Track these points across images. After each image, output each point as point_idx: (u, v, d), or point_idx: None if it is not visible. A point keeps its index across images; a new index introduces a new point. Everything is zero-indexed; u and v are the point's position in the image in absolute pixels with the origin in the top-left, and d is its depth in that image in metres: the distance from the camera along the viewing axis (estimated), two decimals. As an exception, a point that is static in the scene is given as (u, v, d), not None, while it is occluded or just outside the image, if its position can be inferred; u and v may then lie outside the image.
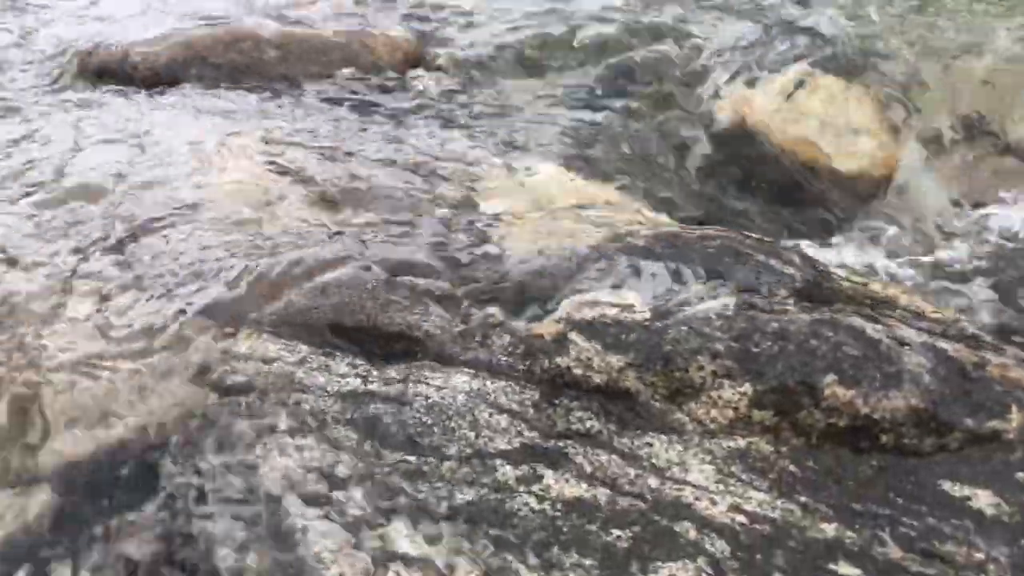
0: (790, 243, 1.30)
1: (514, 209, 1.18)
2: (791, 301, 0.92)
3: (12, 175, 1.28)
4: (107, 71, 1.78)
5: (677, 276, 0.96)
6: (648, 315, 0.89)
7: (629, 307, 0.91)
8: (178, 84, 1.74)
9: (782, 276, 0.97)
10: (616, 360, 0.84)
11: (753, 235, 1.05)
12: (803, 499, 0.76)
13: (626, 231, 1.06)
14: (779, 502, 0.75)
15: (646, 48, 1.93)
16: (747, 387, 0.83)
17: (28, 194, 1.22)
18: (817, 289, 0.98)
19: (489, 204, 1.21)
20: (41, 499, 0.77)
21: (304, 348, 0.88)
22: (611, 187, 1.37)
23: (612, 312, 0.89)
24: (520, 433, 0.82)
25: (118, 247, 1.07)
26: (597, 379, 0.84)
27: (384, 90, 1.76)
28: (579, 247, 1.04)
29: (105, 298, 0.97)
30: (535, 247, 1.05)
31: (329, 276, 0.95)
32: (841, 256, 1.35)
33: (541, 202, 1.23)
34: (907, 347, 0.85)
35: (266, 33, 1.84)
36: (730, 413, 0.83)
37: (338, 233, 1.07)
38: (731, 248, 0.98)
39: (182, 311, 0.92)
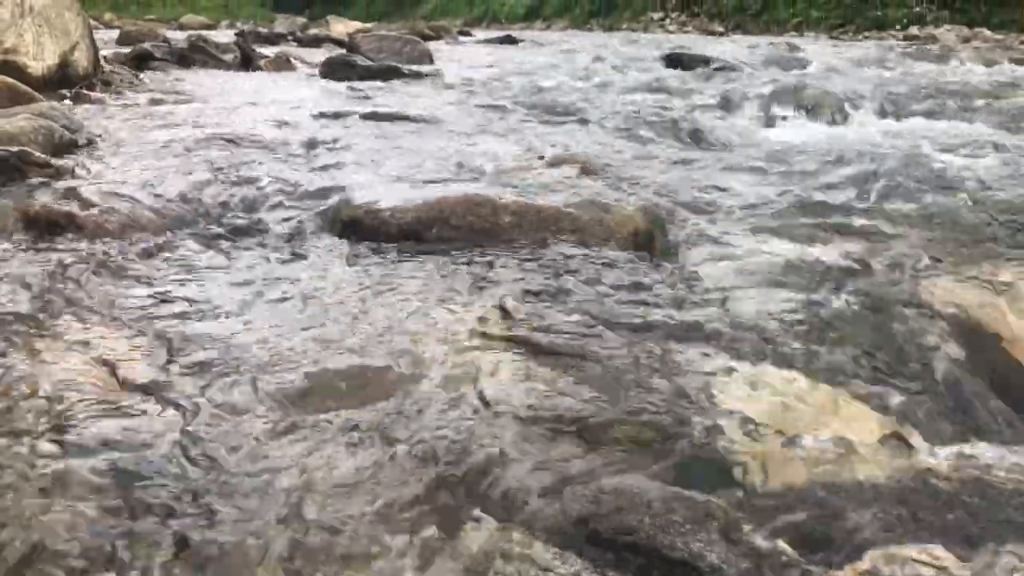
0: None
1: (762, 425, 1.11)
2: None
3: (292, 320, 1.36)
4: (356, 226, 1.92)
5: (992, 531, 0.85)
6: (971, 581, 0.78)
7: (943, 567, 0.80)
8: (420, 241, 1.84)
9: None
10: (939, 634, 0.74)
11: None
12: None
13: (915, 467, 0.96)
14: None
15: (869, 241, 1.86)
16: None
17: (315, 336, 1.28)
18: None
19: (733, 413, 1.14)
20: None
21: (577, 560, 0.84)
22: (858, 400, 1.27)
23: (927, 571, 0.79)
24: None
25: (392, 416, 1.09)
26: (916, 654, 0.74)
27: (612, 266, 1.78)
28: (858, 482, 0.95)
29: (375, 473, 0.97)
30: (804, 475, 0.97)
31: (604, 483, 0.91)
32: None
33: (785, 415, 1.15)
34: None
35: (503, 200, 1.94)
36: None
37: (595, 435, 1.04)
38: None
39: (476, 494, 0.91)
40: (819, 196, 2.28)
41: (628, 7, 27.92)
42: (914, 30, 16.78)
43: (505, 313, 1.46)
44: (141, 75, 5.15)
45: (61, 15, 4.44)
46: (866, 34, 17.94)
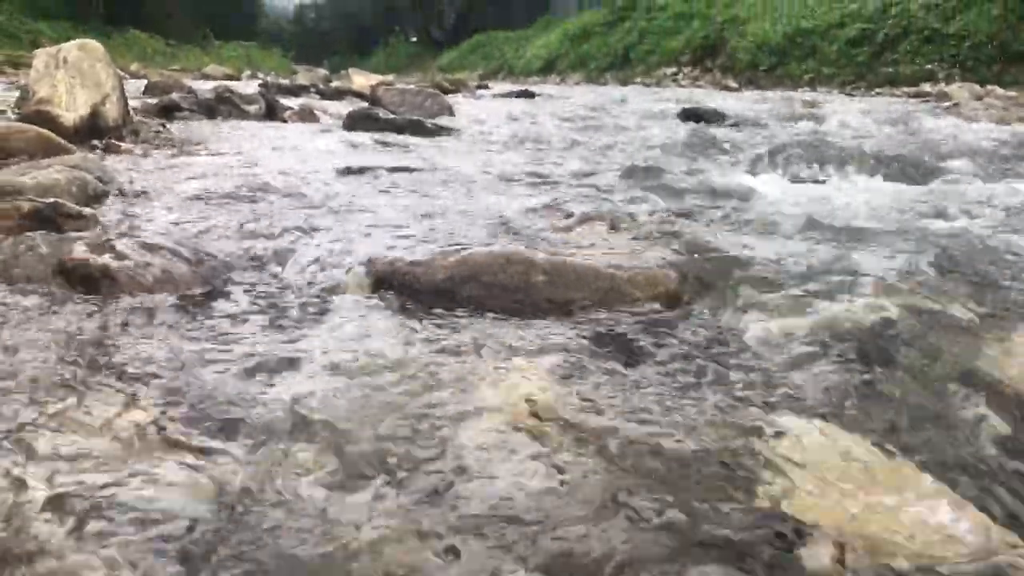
0: None
1: (816, 492, 1.08)
2: None
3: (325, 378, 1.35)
4: (388, 283, 1.92)
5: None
6: None
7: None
8: (453, 299, 1.84)
9: None
10: None
11: None
12: None
13: (982, 539, 0.93)
14: None
15: (905, 299, 1.84)
16: None
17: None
18: None
19: (786, 480, 1.11)
20: None
21: (634, 644, 0.81)
22: (914, 468, 1.24)
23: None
24: None
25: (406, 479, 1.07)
26: None
27: (646, 325, 1.76)
28: (921, 554, 0.92)
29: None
30: (864, 545, 0.94)
31: (655, 564, 0.88)
32: None
33: (838, 482, 1.12)
34: None
35: (535, 258, 1.94)
36: None
37: (626, 508, 1.01)
38: None
39: None
40: (849, 255, 2.26)
41: (642, 62, 28.39)
42: (926, 87, 16.94)
43: (541, 383, 1.44)
44: (169, 125, 5.25)
45: (93, 67, 4.55)
46: (878, 90, 18.11)
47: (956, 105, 9.33)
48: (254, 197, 2.93)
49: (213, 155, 4.07)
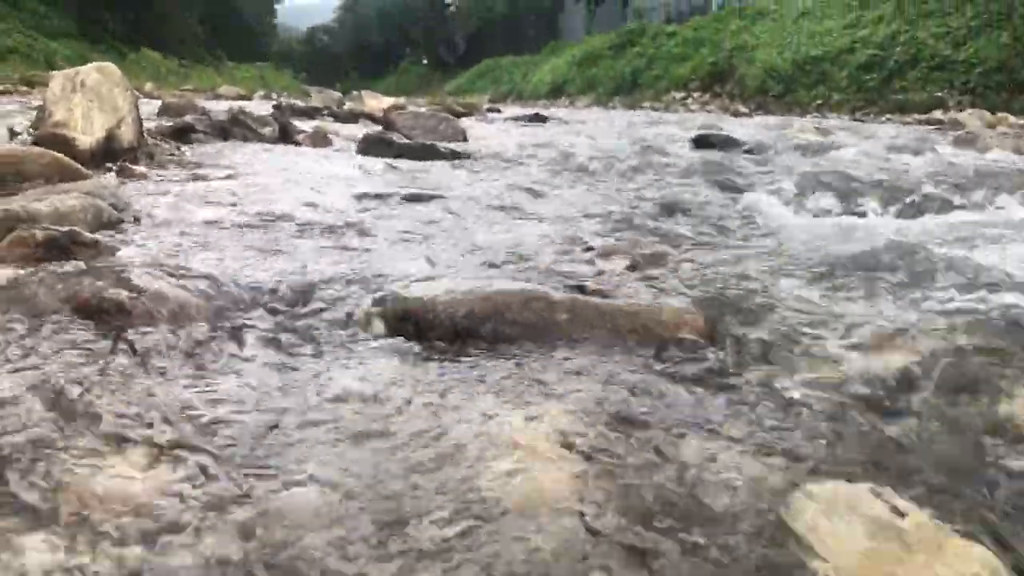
0: None
1: (855, 562, 1.03)
2: None
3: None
4: (406, 321, 1.88)
5: None
6: None
7: None
8: (474, 337, 1.80)
9: None
10: None
11: None
12: None
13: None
14: None
15: (934, 340, 1.79)
16: None
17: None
18: None
19: (819, 544, 1.06)
20: None
21: None
22: (955, 529, 1.18)
23: None
24: None
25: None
26: None
27: (672, 368, 1.72)
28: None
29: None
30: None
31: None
32: None
33: (876, 546, 1.07)
34: None
35: (558, 296, 1.90)
36: None
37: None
38: None
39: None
40: (877, 294, 2.21)
41: (650, 87, 28.53)
42: (937, 114, 16.93)
43: (564, 431, 1.40)
44: (183, 147, 5.24)
45: (111, 91, 4.55)
46: (888, 117, 18.11)
47: (969, 133, 9.29)
48: (268, 225, 2.90)
49: (227, 180, 4.05)
